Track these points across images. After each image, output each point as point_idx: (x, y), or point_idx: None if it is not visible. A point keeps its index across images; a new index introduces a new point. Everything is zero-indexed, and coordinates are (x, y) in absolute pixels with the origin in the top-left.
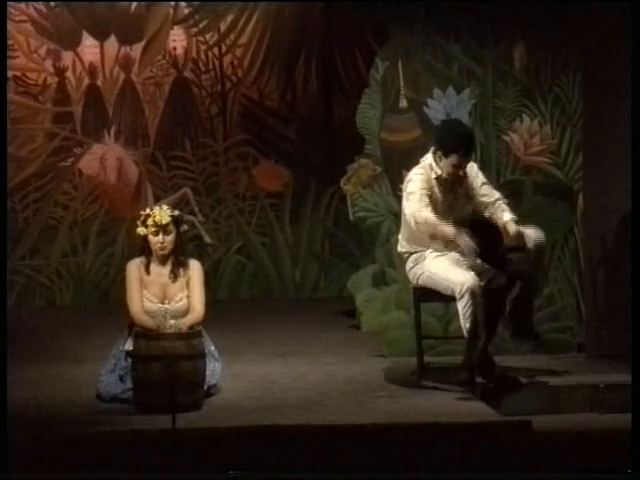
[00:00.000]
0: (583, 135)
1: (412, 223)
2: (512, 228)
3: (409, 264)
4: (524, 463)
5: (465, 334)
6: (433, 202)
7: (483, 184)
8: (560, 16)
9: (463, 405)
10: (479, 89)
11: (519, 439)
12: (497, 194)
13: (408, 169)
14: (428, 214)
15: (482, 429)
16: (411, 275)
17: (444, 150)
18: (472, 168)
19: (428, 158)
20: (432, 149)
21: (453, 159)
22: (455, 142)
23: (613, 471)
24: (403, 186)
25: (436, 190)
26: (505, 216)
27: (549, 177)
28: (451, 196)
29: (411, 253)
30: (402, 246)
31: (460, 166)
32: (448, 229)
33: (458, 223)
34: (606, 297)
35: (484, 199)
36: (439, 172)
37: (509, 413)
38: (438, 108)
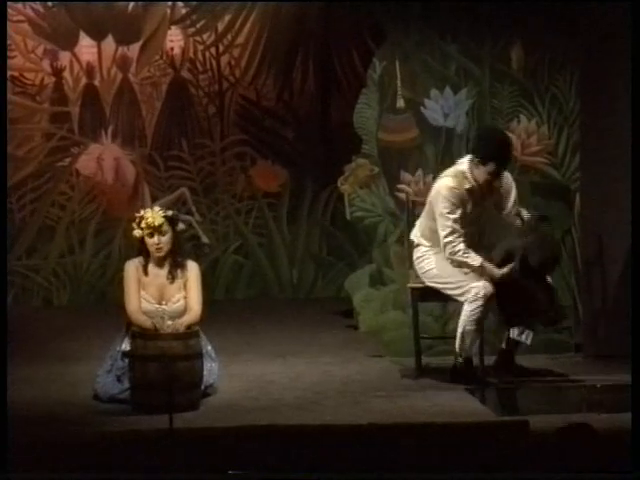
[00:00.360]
0: (580, 135)
1: (445, 251)
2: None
3: (418, 253)
4: (521, 463)
5: (462, 334)
6: (461, 216)
7: (514, 204)
8: (558, 17)
9: (461, 405)
10: (476, 89)
11: (516, 439)
12: (523, 215)
13: (406, 169)
14: (460, 246)
15: (479, 429)
16: (418, 266)
17: (482, 158)
18: (509, 183)
19: (463, 164)
20: (469, 156)
21: (490, 167)
22: (494, 150)
23: (610, 471)
24: (433, 191)
25: (466, 201)
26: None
27: (546, 177)
28: (479, 207)
29: (424, 245)
30: (416, 237)
31: (497, 174)
32: (476, 261)
33: (480, 233)
34: (603, 297)
35: (510, 219)
36: (473, 183)
37: (507, 413)
38: (435, 108)
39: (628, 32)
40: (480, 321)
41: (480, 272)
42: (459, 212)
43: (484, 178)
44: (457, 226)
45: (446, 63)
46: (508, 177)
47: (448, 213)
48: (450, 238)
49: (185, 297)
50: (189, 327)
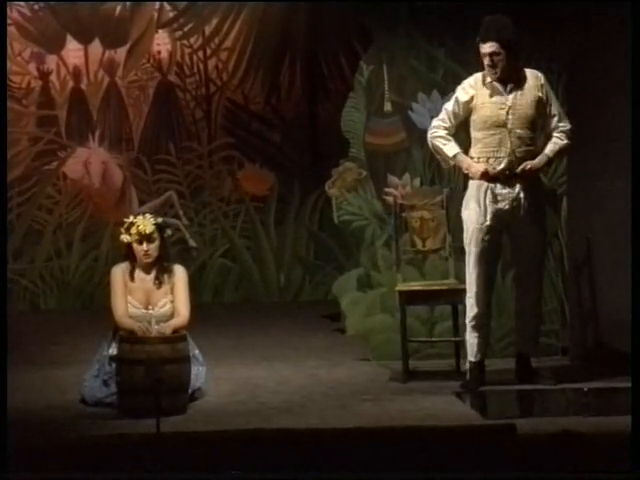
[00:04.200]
0: None
1: (428, 133)
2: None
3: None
4: (508, 467)
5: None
6: (482, 111)
7: (553, 115)
8: (544, 20)
9: (448, 409)
10: None
11: (503, 443)
12: (560, 125)
13: (393, 173)
14: (441, 133)
15: (467, 433)
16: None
17: (477, 39)
18: (538, 87)
19: None
20: None
21: (483, 48)
22: (481, 30)
23: (608, 471)
24: None
25: (486, 96)
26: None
27: None
28: (504, 111)
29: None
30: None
31: (490, 55)
32: (451, 151)
33: (514, 144)
34: (590, 301)
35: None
36: (488, 79)
37: (494, 417)
38: (422, 112)
39: (613, 36)
40: (473, 324)
41: (455, 164)
42: (457, 107)
43: (486, 63)
44: (449, 117)
45: (433, 67)
46: (540, 84)
47: (447, 103)
48: (437, 123)
49: (172, 301)
50: (176, 331)
